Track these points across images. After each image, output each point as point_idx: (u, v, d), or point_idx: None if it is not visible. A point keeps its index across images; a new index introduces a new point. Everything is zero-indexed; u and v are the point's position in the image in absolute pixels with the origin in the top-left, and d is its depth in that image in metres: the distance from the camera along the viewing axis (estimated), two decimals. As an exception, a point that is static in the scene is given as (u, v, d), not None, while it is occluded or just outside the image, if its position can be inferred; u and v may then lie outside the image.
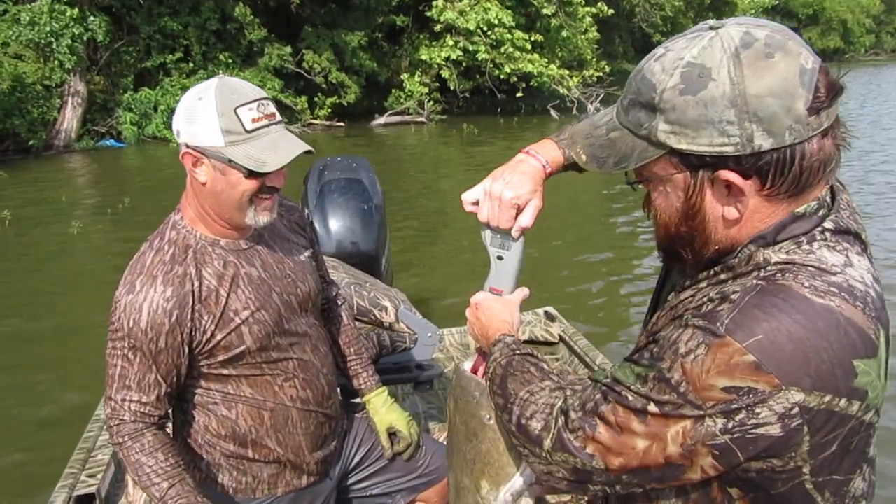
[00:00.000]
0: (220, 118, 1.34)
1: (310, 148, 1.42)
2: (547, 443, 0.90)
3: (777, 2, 37.59)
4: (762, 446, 0.77)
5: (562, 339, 3.27)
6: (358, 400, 1.91)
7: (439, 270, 6.32)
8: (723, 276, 0.87)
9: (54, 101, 13.54)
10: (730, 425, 0.77)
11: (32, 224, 8.23)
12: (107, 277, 5.17)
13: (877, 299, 0.81)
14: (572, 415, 0.89)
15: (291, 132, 1.44)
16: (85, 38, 13.47)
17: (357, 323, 2.46)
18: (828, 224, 0.84)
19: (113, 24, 14.18)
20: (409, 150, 14.63)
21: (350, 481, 1.81)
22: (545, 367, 1.03)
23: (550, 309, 3.46)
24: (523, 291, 1.22)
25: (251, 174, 1.37)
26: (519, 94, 18.28)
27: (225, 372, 1.50)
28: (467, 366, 1.20)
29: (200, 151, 1.38)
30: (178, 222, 1.48)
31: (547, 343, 3.30)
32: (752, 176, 0.80)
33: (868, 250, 0.87)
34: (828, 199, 0.86)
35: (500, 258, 1.18)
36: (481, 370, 1.20)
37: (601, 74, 19.65)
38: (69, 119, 13.87)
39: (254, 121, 1.36)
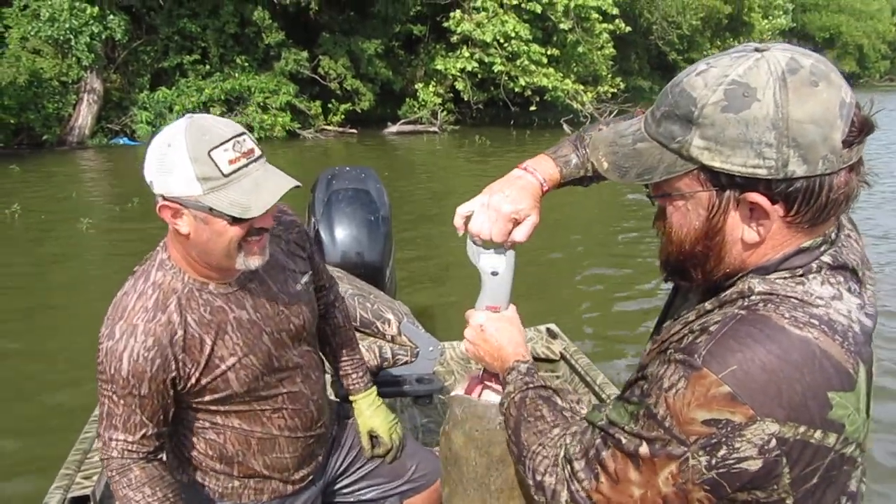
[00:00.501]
0: (193, 165, 1.24)
1: (297, 183, 1.33)
2: (564, 495, 0.91)
3: (794, 24, 37.59)
4: (746, 479, 0.77)
5: (563, 357, 3.24)
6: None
7: (443, 282, 6.30)
8: (708, 307, 0.86)
9: (70, 98, 13.67)
10: (713, 461, 0.77)
11: (42, 218, 8.26)
12: (114, 275, 5.18)
13: (860, 335, 0.80)
14: (576, 465, 0.89)
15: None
16: (104, 37, 13.60)
17: (357, 333, 2.45)
18: (826, 258, 0.83)
19: (132, 23, 14.33)
20: (420, 160, 14.65)
21: (338, 485, 1.81)
22: (558, 401, 1.03)
23: (552, 326, 3.44)
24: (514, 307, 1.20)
25: (236, 220, 1.29)
26: (532, 108, 18.31)
27: (213, 408, 1.49)
28: (460, 391, 1.17)
29: (179, 202, 1.28)
30: (166, 262, 1.41)
31: (548, 360, 3.28)
32: (779, 201, 0.79)
33: (865, 286, 0.86)
34: (832, 235, 0.85)
35: (494, 273, 1.16)
36: (477, 391, 1.18)
37: (616, 90, 19.68)
38: (84, 116, 13.99)
39: (231, 162, 1.26)
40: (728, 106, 0.77)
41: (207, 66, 15.40)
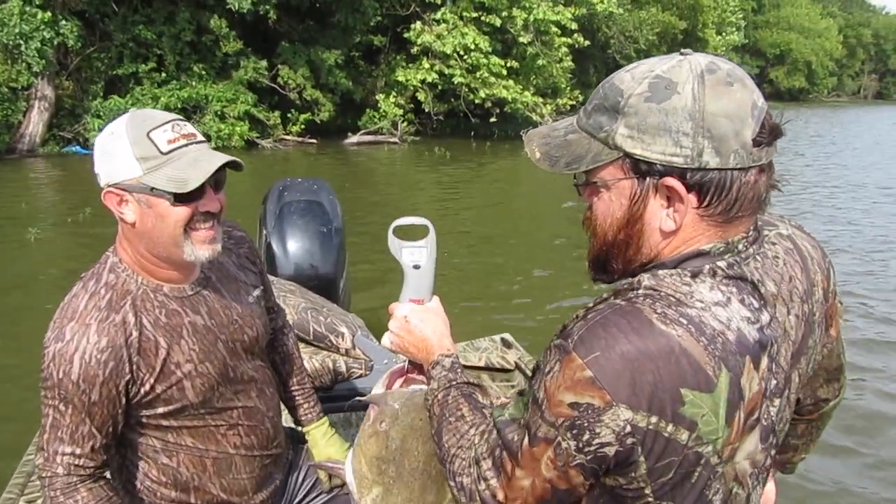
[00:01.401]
0: (133, 147, 1.27)
1: (236, 159, 1.32)
2: (476, 495, 0.94)
3: (747, 41, 38.72)
4: (608, 463, 0.83)
5: (518, 367, 3.26)
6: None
7: (398, 295, 6.27)
8: (605, 296, 0.90)
9: (20, 104, 13.32)
10: (580, 444, 0.82)
11: (-12, 229, 8.02)
12: (62, 287, 5.04)
13: (732, 343, 0.83)
14: (483, 465, 0.93)
15: (218, 149, 1.35)
16: (55, 43, 13.29)
17: (309, 347, 2.43)
18: (721, 264, 0.87)
19: (85, 29, 14.03)
20: (380, 171, 14.62)
21: None
22: (479, 398, 1.06)
23: (507, 336, 3.47)
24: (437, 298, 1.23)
25: (178, 199, 1.28)
26: (492, 119, 18.46)
27: (165, 423, 1.43)
28: (381, 389, 1.19)
29: (121, 188, 1.29)
30: (118, 265, 1.38)
31: (503, 370, 3.30)
32: (693, 190, 0.84)
33: (767, 302, 0.88)
34: (739, 245, 0.89)
35: (416, 267, 1.19)
36: (398, 384, 1.21)
37: (574, 103, 20.01)
38: (34, 123, 13.63)
39: (169, 142, 1.28)
40: (651, 97, 0.84)
41: (163, 74, 15.15)
